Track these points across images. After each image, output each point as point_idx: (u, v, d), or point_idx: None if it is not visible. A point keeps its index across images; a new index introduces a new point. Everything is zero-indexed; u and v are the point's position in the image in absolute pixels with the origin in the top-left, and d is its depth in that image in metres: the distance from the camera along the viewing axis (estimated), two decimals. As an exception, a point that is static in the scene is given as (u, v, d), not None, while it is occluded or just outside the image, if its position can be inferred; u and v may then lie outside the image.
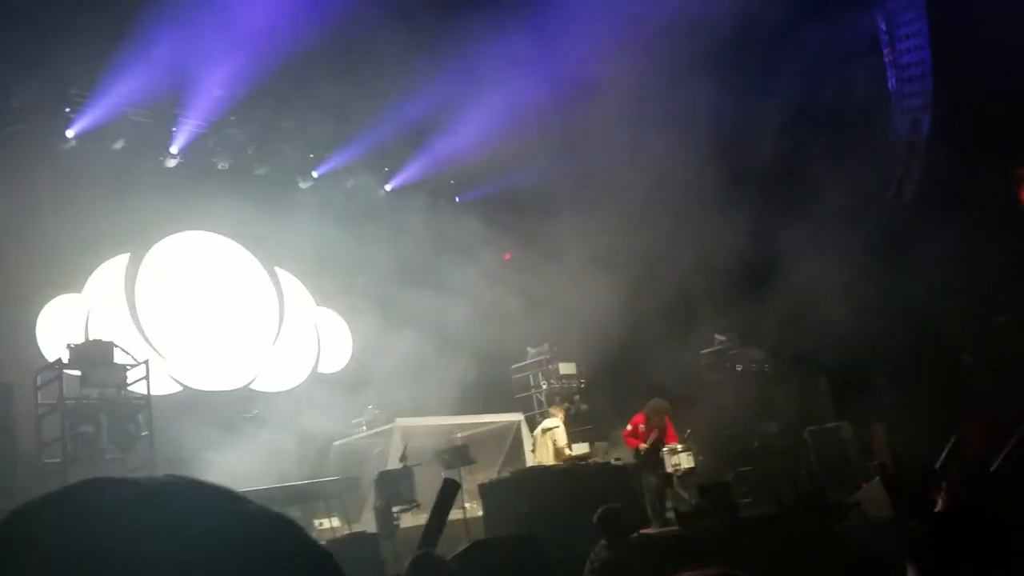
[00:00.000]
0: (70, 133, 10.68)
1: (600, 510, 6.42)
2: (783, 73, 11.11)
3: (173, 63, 10.33)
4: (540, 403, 11.99)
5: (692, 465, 10.17)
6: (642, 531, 7.97)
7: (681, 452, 10.17)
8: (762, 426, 12.11)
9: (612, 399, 11.64)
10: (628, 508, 8.80)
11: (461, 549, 6.60)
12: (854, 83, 11.88)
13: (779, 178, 10.71)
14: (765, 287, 11.20)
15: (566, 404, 11.49)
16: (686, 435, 10.40)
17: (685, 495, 9.94)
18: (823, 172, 11.04)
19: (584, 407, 12.10)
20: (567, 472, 9.26)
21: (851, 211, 11.01)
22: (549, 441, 10.37)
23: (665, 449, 10.09)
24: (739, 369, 12.50)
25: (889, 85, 12.26)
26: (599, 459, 9.93)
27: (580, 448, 10.54)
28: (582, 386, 12.41)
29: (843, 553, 6.03)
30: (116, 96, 10.51)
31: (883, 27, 12.08)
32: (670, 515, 9.60)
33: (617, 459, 9.99)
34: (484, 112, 11.55)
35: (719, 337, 12.57)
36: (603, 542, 6.36)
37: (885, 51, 12.10)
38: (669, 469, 10.15)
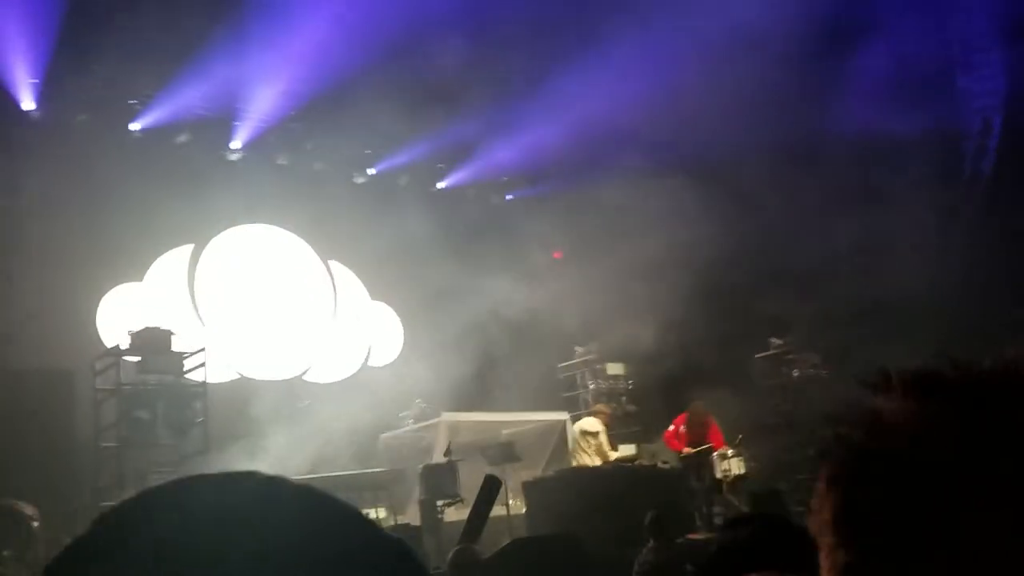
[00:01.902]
0: (135, 126, 10.99)
1: (653, 512, 6.35)
2: (846, 71, 10.80)
3: (239, 63, 10.56)
4: (586, 403, 11.88)
5: (743, 471, 9.97)
6: (689, 536, 7.85)
7: (732, 457, 9.99)
8: (818, 433, 11.78)
9: (661, 401, 11.48)
10: (676, 512, 8.68)
11: (502, 546, 6.59)
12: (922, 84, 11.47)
13: (838, 180, 10.41)
14: (823, 290, 10.90)
15: (612, 404, 11.35)
16: (737, 440, 10.20)
17: (735, 501, 9.76)
18: (887, 174, 10.70)
19: (632, 408, 11.96)
20: (613, 473, 9.17)
21: (913, 212, 10.64)
22: (590, 447, 10.23)
23: (715, 454, 9.93)
24: (796, 374, 12.19)
25: (959, 84, 11.80)
26: (645, 461, 9.80)
27: (627, 449, 10.41)
28: (630, 387, 12.26)
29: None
30: (181, 90, 10.78)
31: (954, 25, 11.63)
32: (719, 521, 9.43)
33: (664, 462, 9.85)
34: (543, 117, 11.53)
35: (775, 341, 12.28)
36: (651, 544, 6.27)
37: (955, 49, 11.65)
38: (719, 475, 9.97)
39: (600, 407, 10.89)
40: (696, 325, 10.66)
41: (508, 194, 14.28)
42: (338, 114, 12.36)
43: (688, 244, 10.50)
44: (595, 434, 10.31)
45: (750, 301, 11.14)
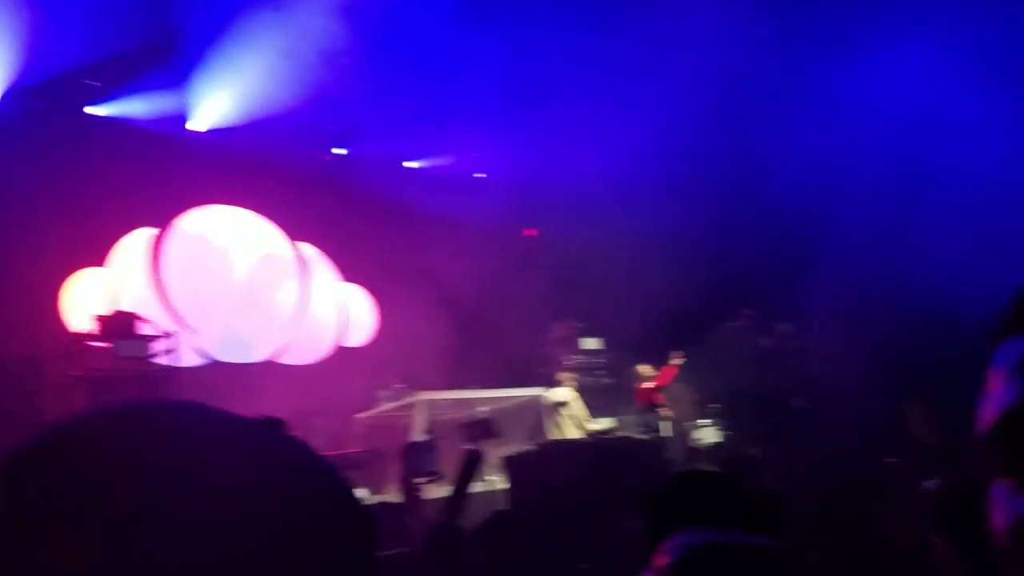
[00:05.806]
0: (93, 110, 10.70)
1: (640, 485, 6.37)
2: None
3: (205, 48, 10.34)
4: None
5: (719, 439, 10.08)
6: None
7: (706, 427, 10.09)
8: (791, 402, 11.93)
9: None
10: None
11: (484, 520, 6.57)
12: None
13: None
14: (801, 260, 10.96)
15: (582, 375, 11.29)
16: (713, 409, 10.33)
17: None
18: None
19: (609, 382, 11.99)
20: (594, 446, 9.19)
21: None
22: (567, 416, 10.26)
23: (687, 424, 10.07)
24: (766, 344, 12.30)
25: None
26: (624, 433, 9.86)
27: (605, 422, 10.46)
28: (607, 361, 12.28)
29: (863, 535, 5.86)
30: (141, 73, 10.53)
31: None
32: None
33: (642, 432, 9.92)
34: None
35: (745, 311, 12.39)
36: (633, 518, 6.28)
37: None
38: (691, 443, 10.07)
39: (564, 375, 10.76)
40: (670, 296, 10.69)
41: (478, 172, 14.17)
42: (304, 97, 12.14)
43: (661, 216, 10.51)
44: (567, 403, 10.34)
45: (723, 271, 11.19)
